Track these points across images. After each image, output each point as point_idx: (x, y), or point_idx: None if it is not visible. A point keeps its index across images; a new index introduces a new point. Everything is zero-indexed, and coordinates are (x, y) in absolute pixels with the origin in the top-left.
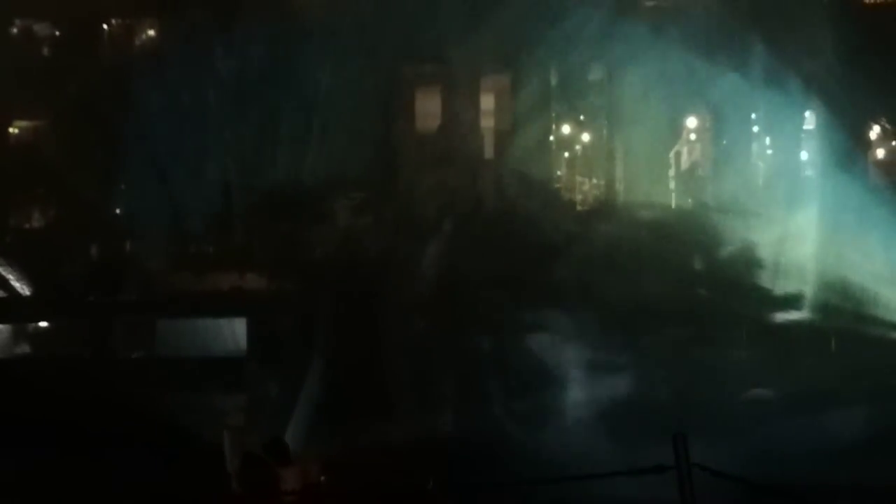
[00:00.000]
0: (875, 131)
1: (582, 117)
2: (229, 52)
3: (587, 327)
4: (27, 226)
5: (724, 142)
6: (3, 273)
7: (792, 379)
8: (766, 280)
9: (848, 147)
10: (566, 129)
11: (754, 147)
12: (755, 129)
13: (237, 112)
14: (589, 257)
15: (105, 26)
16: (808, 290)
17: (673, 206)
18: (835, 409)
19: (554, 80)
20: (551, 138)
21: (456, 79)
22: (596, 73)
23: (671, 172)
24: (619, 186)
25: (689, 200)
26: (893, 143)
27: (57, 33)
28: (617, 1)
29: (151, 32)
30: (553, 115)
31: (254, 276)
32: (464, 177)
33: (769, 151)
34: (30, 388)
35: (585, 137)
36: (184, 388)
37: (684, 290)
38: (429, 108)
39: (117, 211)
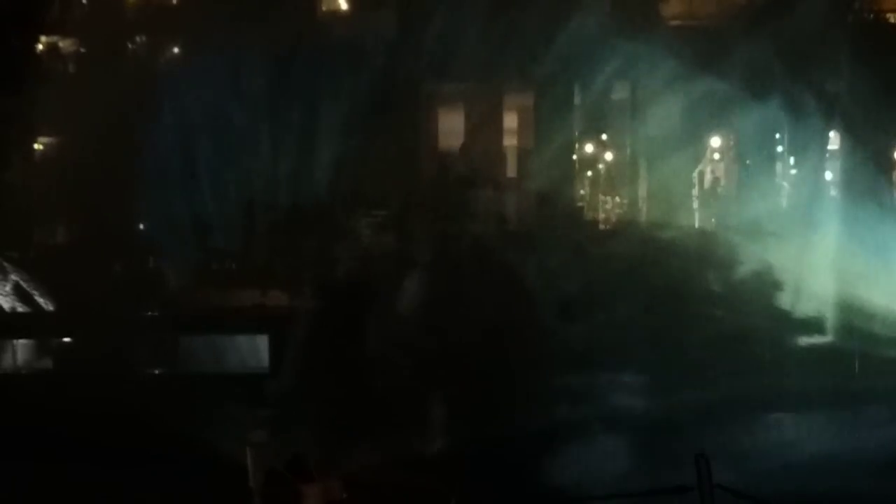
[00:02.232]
0: None
1: (605, 136)
2: (254, 70)
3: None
4: (51, 241)
5: (748, 162)
6: (28, 288)
7: (814, 401)
8: (787, 301)
9: (872, 167)
10: (589, 148)
11: (778, 167)
12: (779, 149)
13: (261, 130)
14: (607, 276)
15: (129, 44)
16: (831, 311)
17: (696, 225)
18: (857, 431)
19: (577, 100)
20: (574, 157)
21: (479, 97)
22: (619, 93)
23: (695, 192)
24: (643, 205)
25: (713, 220)
26: None
27: (82, 50)
28: (641, 21)
29: (175, 50)
30: (576, 134)
31: (276, 293)
32: (486, 195)
33: (793, 172)
34: (52, 402)
35: (608, 156)
36: (206, 404)
37: (705, 310)
38: (452, 127)
39: (141, 227)
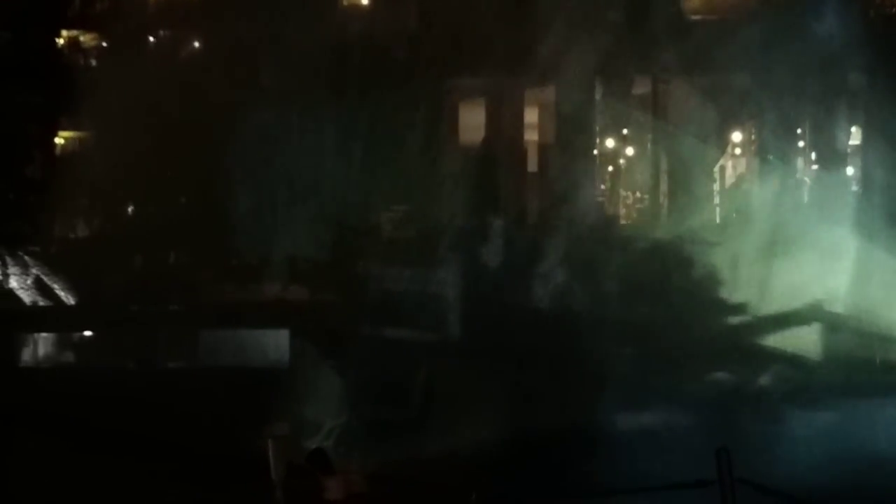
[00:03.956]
0: None
1: (626, 131)
2: (275, 62)
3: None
4: (72, 235)
5: (770, 156)
6: (48, 282)
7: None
8: (807, 300)
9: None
10: (610, 142)
11: (799, 162)
12: (801, 144)
13: (280, 121)
14: (625, 272)
15: (150, 38)
16: (851, 312)
17: (717, 220)
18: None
19: (598, 94)
20: (595, 152)
21: (500, 92)
22: (640, 87)
23: (716, 187)
24: (664, 200)
25: (734, 215)
26: None
27: (103, 44)
28: (661, 15)
29: (196, 44)
30: (597, 128)
31: (297, 288)
32: (507, 190)
33: (814, 167)
34: (73, 396)
35: (629, 151)
36: (227, 398)
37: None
38: (473, 122)
39: (162, 221)
